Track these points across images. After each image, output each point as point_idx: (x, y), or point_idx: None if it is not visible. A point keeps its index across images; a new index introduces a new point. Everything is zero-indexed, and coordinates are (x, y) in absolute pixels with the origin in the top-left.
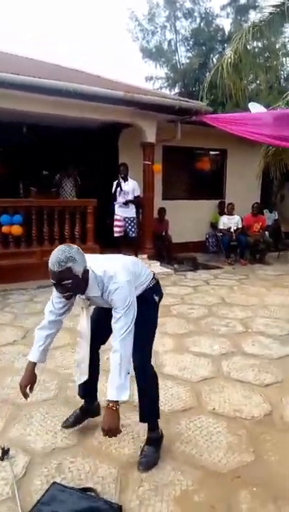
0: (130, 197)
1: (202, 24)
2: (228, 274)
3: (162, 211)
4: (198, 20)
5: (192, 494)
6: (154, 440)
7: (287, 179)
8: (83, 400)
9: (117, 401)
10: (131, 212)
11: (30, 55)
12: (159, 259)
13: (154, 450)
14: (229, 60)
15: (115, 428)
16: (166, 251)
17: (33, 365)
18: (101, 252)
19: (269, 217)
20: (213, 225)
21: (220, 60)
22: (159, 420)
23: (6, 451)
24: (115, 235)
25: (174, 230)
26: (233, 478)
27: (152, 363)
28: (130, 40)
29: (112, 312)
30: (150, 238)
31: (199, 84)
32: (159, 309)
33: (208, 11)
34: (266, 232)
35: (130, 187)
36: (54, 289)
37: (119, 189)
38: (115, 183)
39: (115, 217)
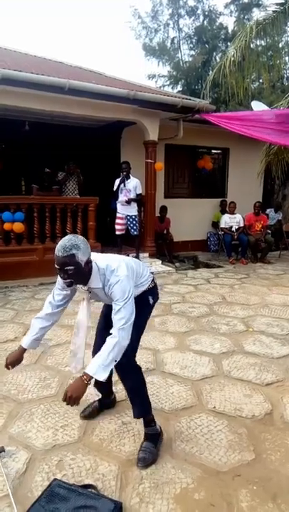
0: (132, 195)
1: (205, 22)
2: (229, 272)
3: (164, 209)
4: (201, 18)
5: (192, 492)
6: (151, 436)
7: None
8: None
9: (92, 377)
10: (133, 210)
11: (32, 51)
12: (161, 257)
13: (151, 445)
14: (232, 59)
15: (77, 397)
16: (167, 249)
17: (23, 350)
18: (102, 251)
19: (274, 217)
20: (215, 224)
21: (223, 59)
22: (157, 417)
23: (1, 450)
24: (117, 232)
25: (175, 229)
26: (233, 476)
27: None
28: (130, 38)
29: (112, 304)
30: (152, 236)
31: (202, 83)
32: (152, 311)
33: (211, 8)
34: (268, 231)
35: (132, 185)
36: (57, 281)
37: (122, 186)
38: (118, 180)
39: (117, 215)
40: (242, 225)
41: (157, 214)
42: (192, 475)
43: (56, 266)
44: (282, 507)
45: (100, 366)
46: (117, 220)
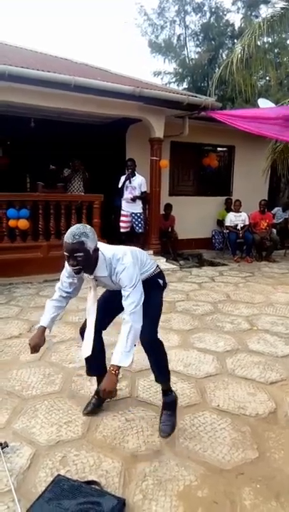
0: (137, 192)
1: (212, 19)
2: (233, 271)
3: (169, 207)
4: (208, 15)
5: (195, 490)
6: (169, 403)
7: None
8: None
9: (119, 366)
10: (138, 207)
11: (38, 48)
12: (165, 255)
13: (170, 414)
14: (239, 56)
15: (110, 390)
16: (171, 247)
17: (43, 330)
18: None
19: (281, 216)
20: (220, 222)
21: (229, 56)
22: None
23: (4, 446)
24: (121, 230)
25: (180, 226)
26: (236, 474)
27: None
28: (134, 35)
29: (122, 291)
30: (156, 234)
31: (208, 80)
32: (164, 293)
33: (218, 5)
34: (274, 230)
35: (138, 182)
36: (64, 268)
37: (127, 183)
38: (123, 177)
39: (122, 212)
40: (247, 223)
41: (162, 212)
42: (195, 472)
43: (65, 253)
44: (285, 505)
45: (122, 354)
46: (122, 218)
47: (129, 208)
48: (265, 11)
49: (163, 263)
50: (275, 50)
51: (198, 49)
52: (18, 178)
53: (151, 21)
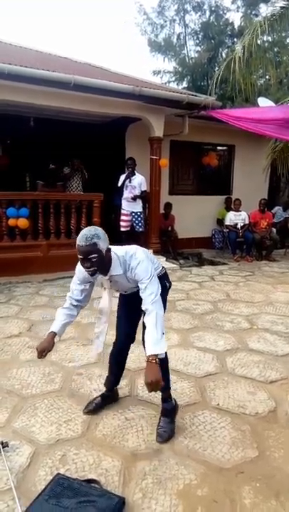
0: (137, 191)
1: (212, 18)
2: (233, 270)
3: (168, 206)
4: (207, 13)
5: (195, 488)
6: (168, 411)
7: None
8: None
9: (156, 355)
10: (138, 207)
11: (38, 47)
12: (165, 254)
13: (169, 421)
14: (239, 55)
15: (158, 380)
16: (171, 246)
17: (53, 335)
18: None
19: (282, 215)
20: (220, 221)
21: (229, 55)
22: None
23: (5, 445)
24: (121, 229)
25: (180, 226)
26: (236, 473)
27: None
28: (133, 34)
29: (139, 284)
30: (156, 233)
31: (208, 79)
32: (168, 294)
33: (218, 4)
34: (274, 229)
35: (138, 181)
36: (75, 276)
37: (127, 182)
38: (123, 176)
39: (122, 211)
40: (247, 222)
41: (162, 211)
42: (195, 471)
43: (80, 256)
44: (285, 504)
45: (155, 342)
46: (122, 217)
47: (130, 207)
48: (264, 10)
49: (163, 262)
50: (275, 49)
51: (198, 48)
52: (17, 177)
53: (150, 20)
